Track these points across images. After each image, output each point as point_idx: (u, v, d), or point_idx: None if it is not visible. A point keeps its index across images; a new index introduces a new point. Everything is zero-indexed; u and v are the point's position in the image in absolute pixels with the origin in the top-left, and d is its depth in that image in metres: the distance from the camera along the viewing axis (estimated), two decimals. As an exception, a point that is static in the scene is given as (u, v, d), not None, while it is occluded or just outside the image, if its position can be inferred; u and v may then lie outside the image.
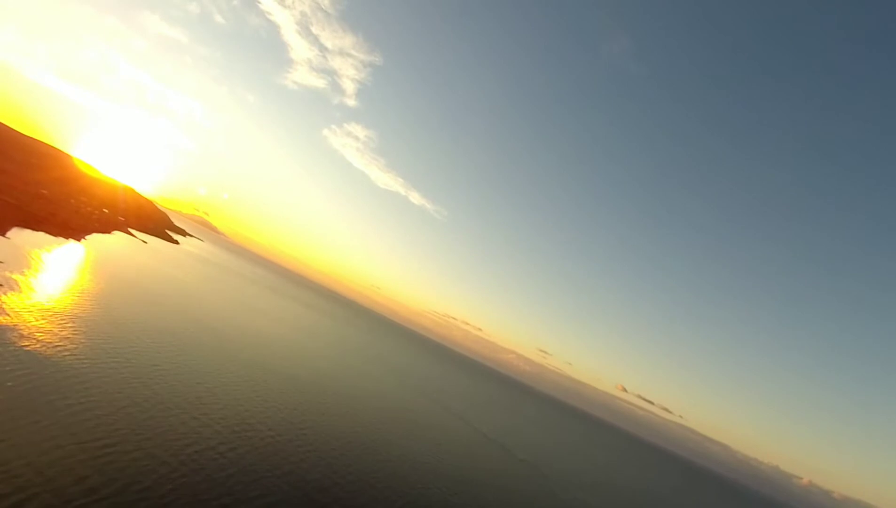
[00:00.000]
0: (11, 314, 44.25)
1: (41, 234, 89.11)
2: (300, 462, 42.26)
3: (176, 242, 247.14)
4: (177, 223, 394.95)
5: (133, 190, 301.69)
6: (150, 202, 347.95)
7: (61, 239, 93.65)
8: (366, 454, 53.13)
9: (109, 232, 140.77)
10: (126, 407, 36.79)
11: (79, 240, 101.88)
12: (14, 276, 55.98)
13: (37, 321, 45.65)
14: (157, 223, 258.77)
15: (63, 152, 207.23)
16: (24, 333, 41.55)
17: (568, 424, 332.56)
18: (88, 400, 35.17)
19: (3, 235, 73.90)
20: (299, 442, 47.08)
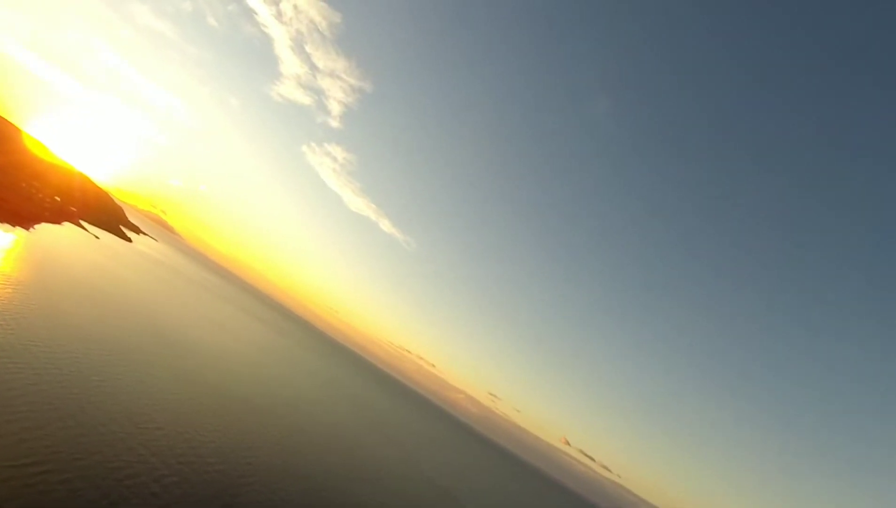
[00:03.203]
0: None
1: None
2: (243, 496, 40.45)
3: (129, 239, 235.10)
4: (132, 219, 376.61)
5: (89, 179, 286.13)
6: (106, 194, 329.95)
7: (7, 226, 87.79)
8: (313, 490, 51.28)
9: (60, 223, 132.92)
10: (57, 422, 34.49)
11: (27, 229, 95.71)
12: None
13: (-27, 317, 42.52)
14: (111, 217, 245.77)
15: (21, 131, 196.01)
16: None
17: (510, 473, 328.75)
18: (14, 412, 32.84)
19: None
20: (244, 473, 45.07)
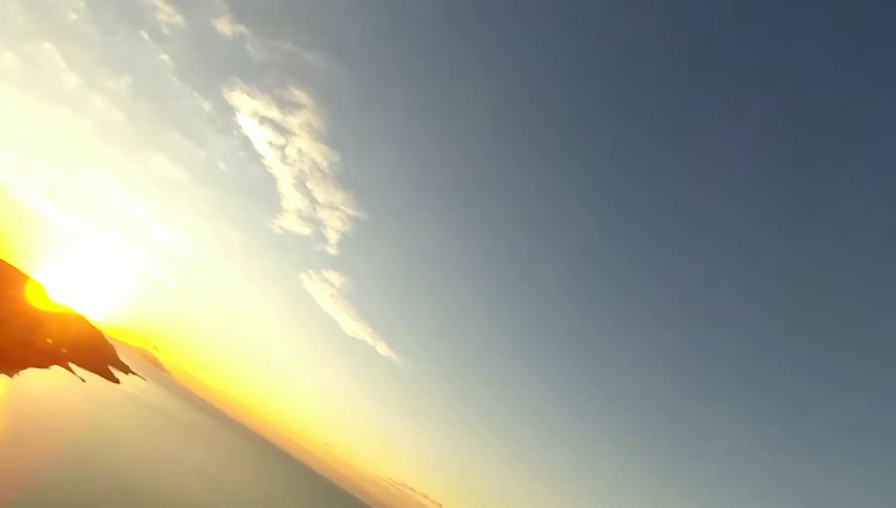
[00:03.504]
0: None
1: (-31, 367, 79.45)
2: None
3: (116, 380, 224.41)
4: (123, 357, 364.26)
5: (84, 319, 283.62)
6: (99, 333, 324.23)
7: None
8: None
9: (48, 366, 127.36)
10: None
11: (10, 376, 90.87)
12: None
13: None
14: (100, 357, 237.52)
15: (26, 276, 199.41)
16: None
17: None
18: None
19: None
20: None
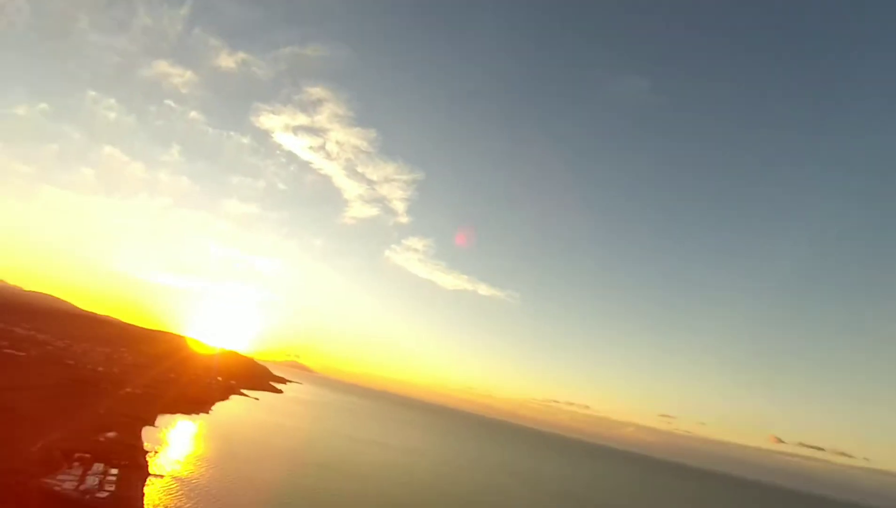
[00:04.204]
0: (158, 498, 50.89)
1: (178, 415, 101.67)
2: None
3: (280, 391, 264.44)
4: (276, 373, 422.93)
5: (235, 352, 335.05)
6: (251, 360, 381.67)
7: (194, 415, 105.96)
8: None
9: (227, 398, 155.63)
10: None
11: (207, 412, 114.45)
12: (157, 458, 64.50)
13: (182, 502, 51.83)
14: (260, 378, 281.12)
15: (177, 335, 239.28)
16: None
17: (714, 493, 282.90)
18: None
19: (153, 424, 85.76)
20: None
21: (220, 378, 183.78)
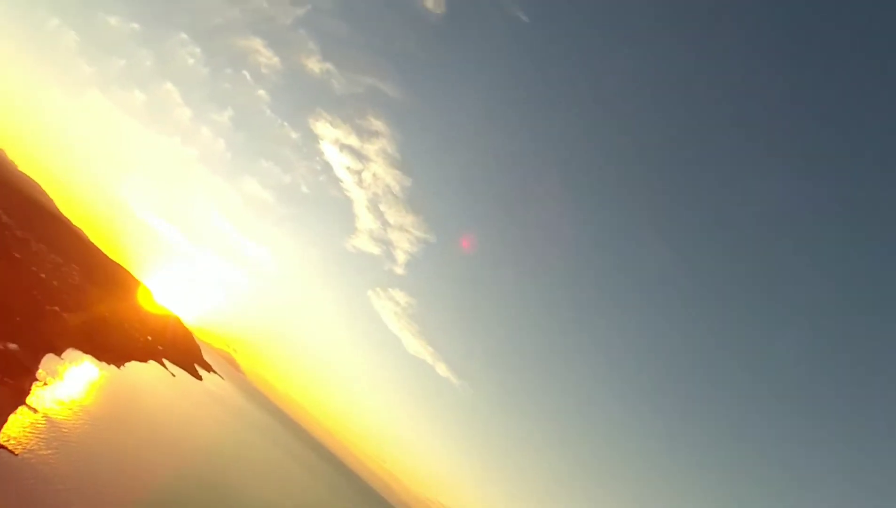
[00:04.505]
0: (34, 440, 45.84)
1: (89, 357, 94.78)
2: None
3: (200, 377, 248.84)
4: (207, 357, 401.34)
5: (180, 320, 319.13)
6: (190, 334, 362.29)
7: (105, 363, 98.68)
8: None
9: (146, 361, 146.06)
10: None
11: (119, 366, 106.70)
12: (42, 390, 59.01)
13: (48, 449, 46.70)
14: (188, 356, 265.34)
15: (136, 280, 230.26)
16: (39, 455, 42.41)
17: None
18: None
19: (59, 355, 79.62)
20: None
21: (149, 338, 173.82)
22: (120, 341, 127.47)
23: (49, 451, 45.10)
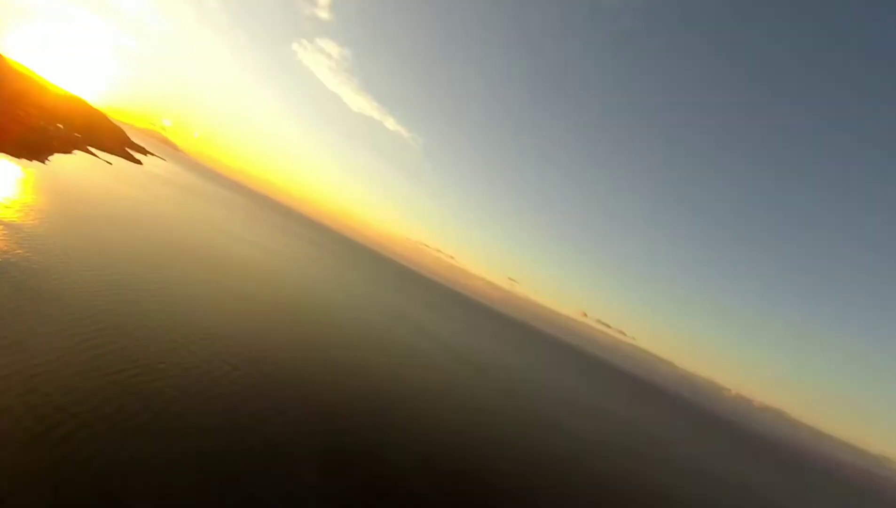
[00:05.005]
0: None
1: (2, 156, 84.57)
2: (306, 385, 47.29)
3: (138, 161, 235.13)
4: (134, 140, 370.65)
5: (84, 101, 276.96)
6: (103, 116, 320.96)
7: (24, 160, 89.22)
8: (371, 380, 59.04)
9: (70, 152, 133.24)
10: (102, 336, 39.77)
11: (43, 162, 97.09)
12: (-7, 204, 55.05)
13: (15, 250, 46.47)
14: (115, 141, 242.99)
15: (8, 61, 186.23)
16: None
17: (532, 345, 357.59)
18: (63, 328, 37.83)
19: (-35, 157, 70.27)
20: (303, 368, 51.85)
21: (60, 126, 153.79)
22: (23, 131, 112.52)
23: (28, 253, 44.77)
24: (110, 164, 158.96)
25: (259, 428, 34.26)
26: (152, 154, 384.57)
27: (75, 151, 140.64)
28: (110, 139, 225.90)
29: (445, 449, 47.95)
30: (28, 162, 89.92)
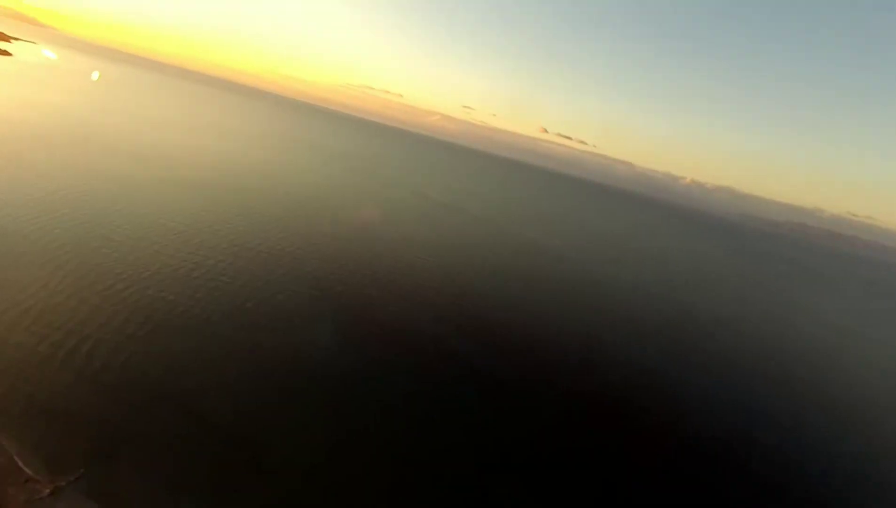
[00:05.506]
0: None
1: None
2: (290, 258, 47.85)
3: (7, 52, 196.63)
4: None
5: None
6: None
7: None
8: (347, 243, 60.31)
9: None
10: (92, 243, 38.60)
11: None
12: None
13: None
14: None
15: None
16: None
17: (491, 172, 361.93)
18: (60, 252, 36.60)
19: None
20: (285, 245, 51.20)
21: None
22: None
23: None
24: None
25: (262, 297, 35.35)
26: (19, 39, 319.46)
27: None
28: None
29: (435, 281, 51.99)
30: None
